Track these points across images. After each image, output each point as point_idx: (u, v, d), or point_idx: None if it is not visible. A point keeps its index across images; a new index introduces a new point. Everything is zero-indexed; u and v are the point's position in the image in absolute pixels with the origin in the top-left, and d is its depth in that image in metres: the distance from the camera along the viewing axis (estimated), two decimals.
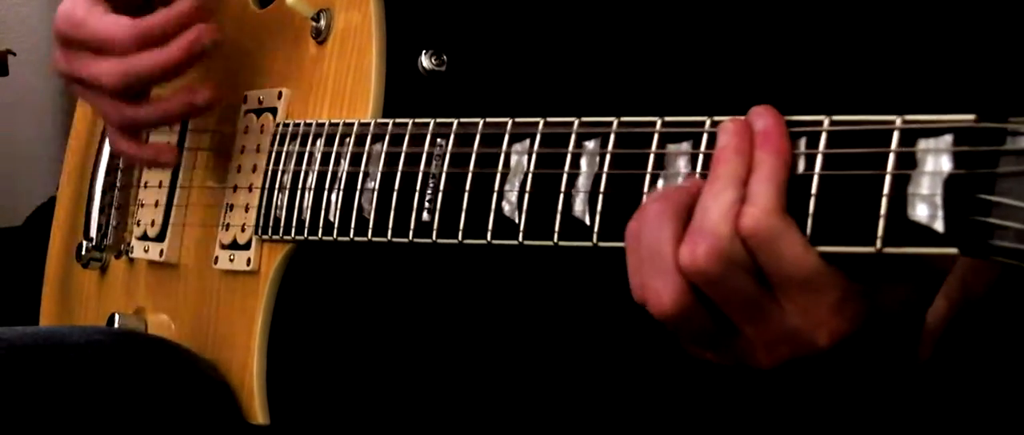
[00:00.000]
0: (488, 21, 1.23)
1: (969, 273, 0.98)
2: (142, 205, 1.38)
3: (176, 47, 1.24)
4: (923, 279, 0.96)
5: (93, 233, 1.41)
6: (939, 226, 0.84)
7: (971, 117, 0.84)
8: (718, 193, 0.91)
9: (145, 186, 1.38)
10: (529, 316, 1.25)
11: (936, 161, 0.85)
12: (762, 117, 0.92)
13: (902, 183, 0.86)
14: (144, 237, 1.36)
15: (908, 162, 0.86)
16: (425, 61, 1.20)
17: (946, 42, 1.14)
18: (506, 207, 1.05)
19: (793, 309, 0.91)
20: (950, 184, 0.84)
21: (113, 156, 1.43)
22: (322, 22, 1.25)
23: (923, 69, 1.14)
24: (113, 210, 1.41)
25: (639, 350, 1.22)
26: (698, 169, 0.96)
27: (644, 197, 0.97)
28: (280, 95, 1.26)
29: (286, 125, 1.23)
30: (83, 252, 1.41)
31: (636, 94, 1.22)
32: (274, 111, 1.26)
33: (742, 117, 0.94)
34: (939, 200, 0.84)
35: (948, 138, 0.85)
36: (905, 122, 0.87)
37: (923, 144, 0.85)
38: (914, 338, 0.99)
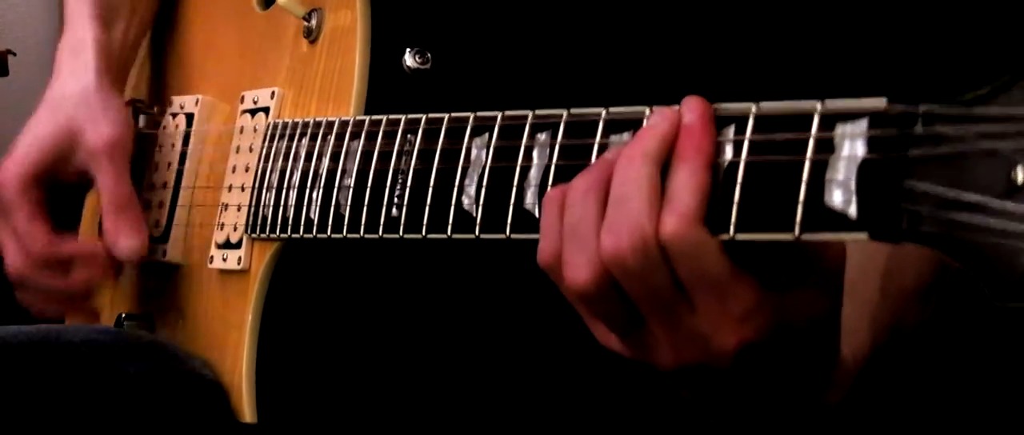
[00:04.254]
0: (472, 20, 1.22)
1: (898, 307, 1.02)
2: (148, 205, 1.39)
3: (76, 280, 1.36)
4: (824, 285, 0.94)
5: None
6: (852, 211, 0.82)
7: (883, 101, 0.82)
8: (638, 178, 0.89)
9: (151, 187, 1.39)
10: (518, 314, 1.24)
11: (852, 146, 0.83)
12: (691, 111, 0.91)
13: (821, 169, 0.84)
14: (149, 238, 1.38)
15: (826, 147, 0.84)
16: (409, 59, 1.20)
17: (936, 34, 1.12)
18: (465, 201, 1.05)
19: (703, 313, 0.90)
20: (863, 169, 0.82)
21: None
22: (313, 21, 1.26)
23: (907, 62, 1.12)
24: None
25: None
26: None
27: None
28: (273, 94, 1.27)
29: (276, 124, 1.24)
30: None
31: (622, 90, 1.20)
32: (267, 110, 1.27)
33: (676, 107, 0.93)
34: (853, 185, 0.82)
35: (863, 123, 0.83)
36: (825, 107, 0.85)
37: (840, 129, 0.84)
38: (822, 373, 0.99)
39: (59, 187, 1.38)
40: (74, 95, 1.37)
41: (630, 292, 0.91)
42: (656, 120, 0.92)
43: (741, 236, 0.87)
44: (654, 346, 0.93)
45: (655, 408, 1.23)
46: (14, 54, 1.83)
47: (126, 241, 1.34)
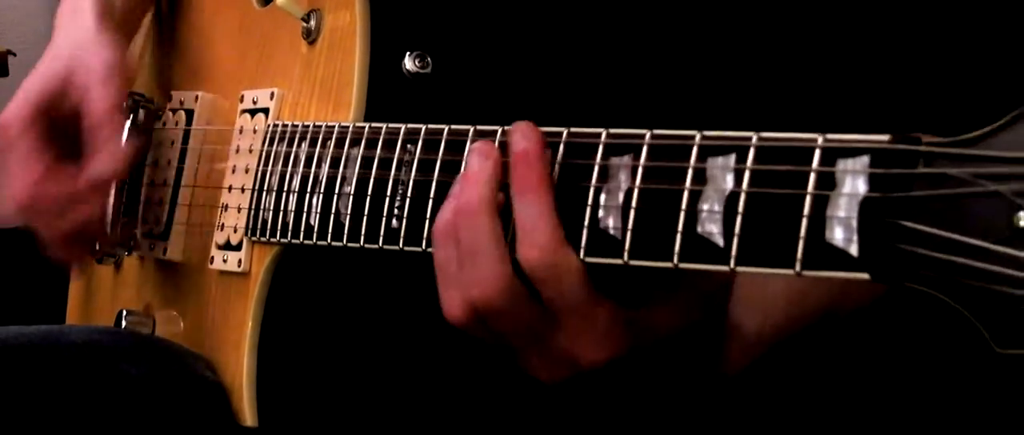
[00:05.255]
0: (472, 24, 1.21)
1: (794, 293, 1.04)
2: (149, 202, 1.39)
3: (68, 219, 1.34)
4: (690, 300, 0.99)
5: (108, 228, 1.43)
6: (854, 250, 0.81)
7: (886, 138, 0.81)
8: (479, 230, 0.95)
9: (152, 183, 1.39)
10: None
11: (853, 183, 0.82)
12: (524, 138, 0.95)
13: (821, 204, 0.83)
14: (149, 234, 1.38)
15: (828, 183, 0.83)
16: (409, 63, 1.19)
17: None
18: None
19: (569, 333, 0.95)
20: (865, 207, 0.81)
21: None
22: (312, 22, 1.25)
23: (919, 78, 1.12)
24: (124, 206, 1.42)
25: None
26: (638, 182, 0.94)
27: (587, 209, 0.96)
28: (272, 95, 1.26)
29: (276, 126, 1.24)
30: (97, 247, 1.42)
31: (620, 96, 1.20)
32: (267, 111, 1.26)
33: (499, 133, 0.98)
34: (854, 224, 0.81)
35: (865, 159, 0.82)
36: (826, 141, 0.84)
37: (841, 165, 0.83)
38: (709, 354, 1.03)
39: (61, 132, 1.36)
40: (71, 43, 1.37)
41: (497, 328, 0.96)
42: (475, 161, 0.97)
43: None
44: (529, 365, 1.00)
45: (651, 409, 1.23)
46: (14, 54, 1.82)
47: (103, 159, 1.31)
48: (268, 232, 1.21)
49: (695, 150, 0.90)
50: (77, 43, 1.36)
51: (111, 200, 1.40)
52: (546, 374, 0.99)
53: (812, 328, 1.09)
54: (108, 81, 1.33)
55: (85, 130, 1.32)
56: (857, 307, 1.07)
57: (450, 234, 0.97)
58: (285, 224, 1.19)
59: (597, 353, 0.95)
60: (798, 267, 0.84)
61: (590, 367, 0.96)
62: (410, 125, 1.10)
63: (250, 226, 1.23)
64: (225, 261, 1.26)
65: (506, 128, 1.03)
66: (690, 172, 0.90)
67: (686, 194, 0.90)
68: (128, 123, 1.39)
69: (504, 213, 0.98)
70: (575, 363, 0.96)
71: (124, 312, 1.37)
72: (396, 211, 1.09)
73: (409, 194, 1.08)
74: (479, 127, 1.06)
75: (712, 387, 1.10)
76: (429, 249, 1.06)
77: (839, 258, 0.82)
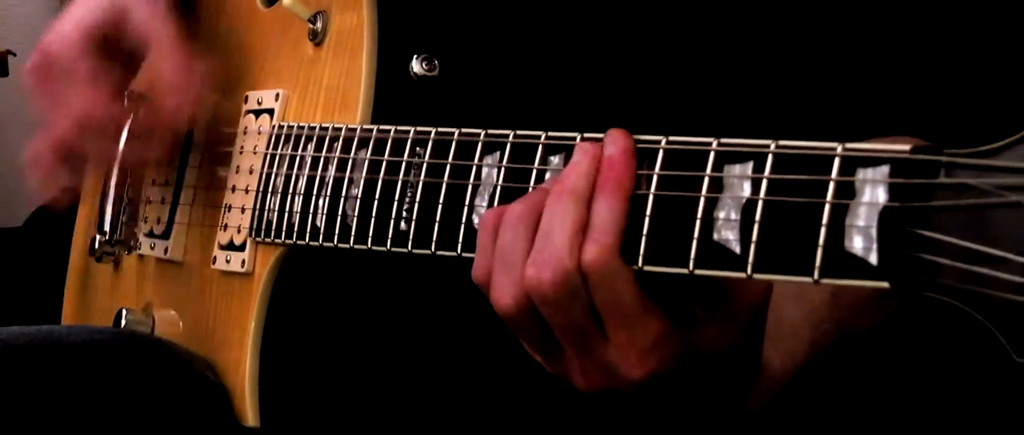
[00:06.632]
0: (480, 27, 1.22)
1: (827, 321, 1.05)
2: (149, 201, 1.39)
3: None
4: (736, 320, 0.98)
5: (106, 227, 1.42)
6: (873, 259, 0.82)
7: (907, 147, 0.81)
8: (563, 214, 0.94)
9: (153, 183, 1.39)
10: None
11: (873, 192, 0.82)
12: (613, 143, 0.95)
13: (841, 213, 0.83)
14: (151, 234, 1.38)
15: (847, 192, 0.84)
16: (416, 66, 1.20)
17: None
18: (476, 220, 1.04)
19: (614, 343, 0.95)
20: (885, 217, 0.82)
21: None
22: (319, 24, 1.25)
23: (940, 89, 1.12)
24: (124, 205, 1.42)
25: None
26: (652, 189, 0.94)
27: None
28: (277, 96, 1.26)
29: (281, 127, 1.24)
30: (96, 246, 1.42)
31: (629, 100, 1.20)
32: (272, 112, 1.26)
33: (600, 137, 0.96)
34: (874, 233, 0.82)
35: (885, 169, 0.82)
36: (846, 150, 0.84)
37: (861, 174, 0.83)
38: (739, 388, 1.03)
39: (118, 60, 1.34)
40: None
41: (548, 319, 0.96)
42: (579, 157, 0.96)
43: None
44: (569, 370, 0.99)
45: (650, 410, 1.24)
46: (14, 54, 1.82)
47: (172, 99, 1.29)
48: (273, 233, 1.21)
49: (712, 157, 0.90)
50: None
51: (109, 204, 1.40)
52: (584, 381, 0.98)
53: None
54: (168, 18, 1.31)
55: (154, 67, 1.30)
56: (870, 327, 1.08)
57: (526, 217, 0.96)
58: (290, 225, 1.19)
59: (641, 365, 0.95)
60: (816, 275, 0.84)
61: (631, 379, 0.96)
62: (419, 128, 1.10)
63: (254, 227, 1.23)
64: (228, 261, 1.26)
65: (518, 132, 1.03)
66: (706, 180, 0.90)
67: (702, 201, 0.90)
68: (128, 123, 1.39)
69: None
70: (616, 373, 0.96)
71: (124, 311, 1.37)
72: (405, 213, 1.09)
73: (418, 197, 1.08)
74: (491, 131, 1.06)
75: (731, 422, 1.10)
76: (439, 252, 1.07)
77: (858, 267, 0.82)
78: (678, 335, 0.95)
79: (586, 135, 0.99)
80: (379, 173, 1.12)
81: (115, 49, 1.33)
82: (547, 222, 0.95)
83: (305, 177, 1.19)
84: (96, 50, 1.32)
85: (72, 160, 1.34)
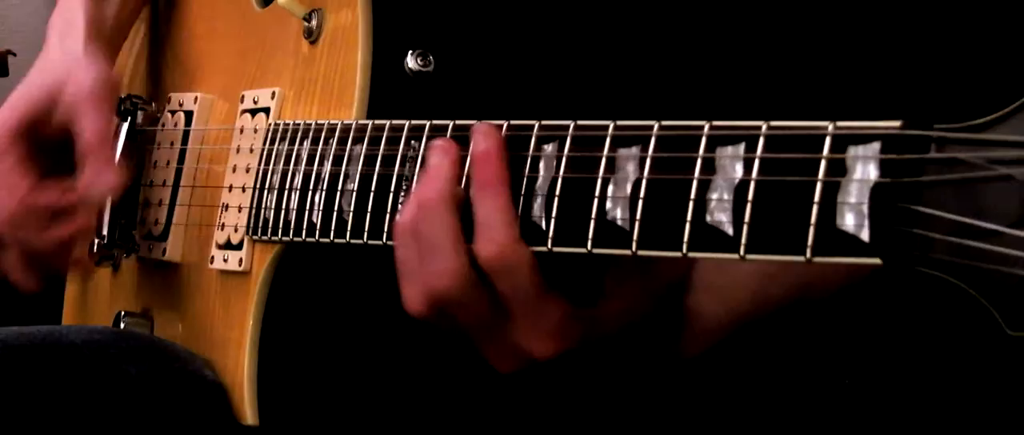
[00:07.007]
0: (475, 22, 1.22)
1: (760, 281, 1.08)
2: (147, 203, 1.39)
3: (54, 233, 1.34)
4: (644, 295, 1.03)
5: (105, 230, 1.42)
6: (865, 236, 0.82)
7: (897, 124, 0.81)
8: (441, 225, 0.99)
9: (150, 184, 1.39)
10: None
11: (864, 169, 0.82)
12: (485, 138, 0.99)
13: (832, 191, 0.83)
14: (149, 236, 1.38)
15: (838, 169, 0.83)
16: (411, 62, 1.19)
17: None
18: None
19: (521, 327, 1.00)
20: (876, 193, 0.81)
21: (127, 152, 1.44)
22: (314, 22, 1.25)
23: (929, 65, 1.12)
24: (123, 208, 1.42)
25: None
26: (646, 173, 0.94)
27: (594, 200, 0.96)
28: (273, 95, 1.26)
29: (277, 125, 1.24)
30: (95, 249, 1.42)
31: (624, 92, 1.20)
32: (268, 111, 1.26)
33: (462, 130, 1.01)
34: (866, 209, 0.82)
35: (876, 145, 0.82)
36: (837, 128, 0.84)
37: (852, 151, 0.83)
38: (663, 343, 1.08)
39: (47, 147, 1.36)
40: (60, 59, 1.37)
41: (457, 316, 1.01)
42: (438, 159, 1.01)
43: (749, 257, 0.88)
44: (488, 356, 1.04)
45: (650, 409, 1.23)
46: (14, 54, 1.82)
47: (98, 179, 1.31)
48: (270, 231, 1.21)
49: (704, 140, 0.90)
50: (66, 62, 1.36)
51: (107, 208, 1.40)
52: (501, 364, 1.04)
53: (804, 318, 1.11)
54: (100, 99, 1.33)
55: (78, 149, 1.32)
56: (826, 293, 1.09)
57: (410, 230, 1.01)
58: (287, 222, 1.19)
59: (547, 346, 1.00)
60: (809, 253, 0.84)
61: (541, 358, 1.01)
62: (414, 121, 1.10)
63: (251, 225, 1.23)
64: (225, 260, 1.26)
65: (512, 122, 1.03)
66: (699, 162, 0.90)
67: (695, 184, 0.90)
68: (126, 126, 1.39)
69: (465, 209, 1.01)
70: (527, 355, 1.01)
71: (122, 313, 1.37)
72: (400, 207, 1.09)
73: (413, 190, 1.08)
74: (484, 123, 1.06)
75: (670, 370, 1.15)
76: None
77: (850, 244, 0.82)
78: (582, 315, 1.00)
79: (435, 122, 1.05)
80: (374, 167, 1.12)
81: (52, 132, 1.35)
82: (430, 234, 0.99)
83: (301, 173, 1.19)
84: (26, 139, 1.35)
85: (10, 250, 1.36)
